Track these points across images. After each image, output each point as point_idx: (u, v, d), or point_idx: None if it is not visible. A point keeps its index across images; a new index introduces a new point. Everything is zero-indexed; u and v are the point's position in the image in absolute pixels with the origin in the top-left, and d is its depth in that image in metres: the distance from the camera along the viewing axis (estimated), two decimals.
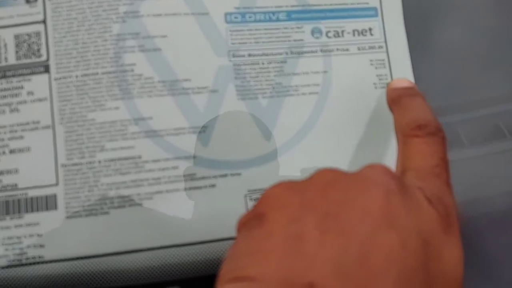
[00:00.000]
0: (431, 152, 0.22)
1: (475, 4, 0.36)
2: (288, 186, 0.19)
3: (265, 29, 0.30)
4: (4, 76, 0.28)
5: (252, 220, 0.19)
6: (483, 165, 0.34)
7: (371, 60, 0.31)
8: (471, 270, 0.33)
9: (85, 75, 0.28)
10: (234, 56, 0.29)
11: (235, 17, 0.30)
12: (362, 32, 0.31)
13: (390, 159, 0.30)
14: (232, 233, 0.28)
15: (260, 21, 0.30)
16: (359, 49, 0.31)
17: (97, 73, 0.28)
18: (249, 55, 0.30)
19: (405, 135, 0.23)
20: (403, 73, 0.31)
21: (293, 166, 0.29)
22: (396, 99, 0.27)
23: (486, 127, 0.36)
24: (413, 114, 0.25)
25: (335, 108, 0.30)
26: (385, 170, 0.19)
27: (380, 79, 0.31)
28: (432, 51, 0.34)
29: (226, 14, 0.30)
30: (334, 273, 0.16)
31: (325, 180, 0.19)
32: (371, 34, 0.31)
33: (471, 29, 0.36)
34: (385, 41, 0.31)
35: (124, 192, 0.27)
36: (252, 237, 0.18)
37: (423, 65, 0.33)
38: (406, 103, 0.26)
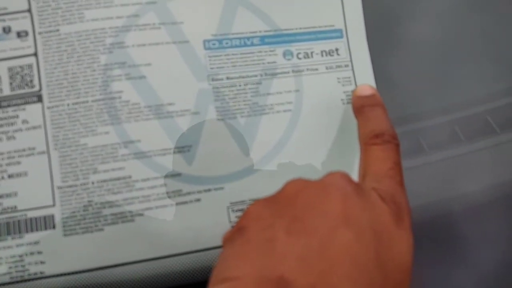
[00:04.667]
0: (386, 157, 0.26)
1: (444, 6, 0.40)
2: (264, 201, 0.22)
3: (241, 53, 0.33)
4: (0, 107, 0.30)
5: (235, 234, 0.22)
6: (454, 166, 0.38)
7: (338, 78, 0.34)
8: (450, 258, 0.36)
9: (76, 103, 0.30)
10: (213, 80, 0.32)
11: (213, 44, 0.32)
12: (329, 53, 0.34)
13: (358, 167, 0.33)
14: (217, 242, 0.31)
15: (236, 46, 0.33)
16: (327, 68, 0.34)
17: (87, 101, 0.30)
18: (227, 78, 0.32)
19: (365, 143, 0.27)
20: None
21: (271, 178, 0.32)
22: (359, 108, 0.31)
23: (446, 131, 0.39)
24: (372, 124, 0.28)
25: (307, 123, 0.33)
26: (343, 176, 0.23)
27: (347, 95, 0.34)
28: (402, 52, 0.38)
29: (204, 41, 0.32)
30: (299, 266, 0.19)
31: (293, 189, 0.22)
32: (338, 54, 0.34)
33: (440, 29, 0.39)
34: (351, 60, 0.34)
35: (117, 210, 0.30)
36: (235, 246, 0.21)
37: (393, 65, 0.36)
38: (367, 113, 0.30)
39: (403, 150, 0.37)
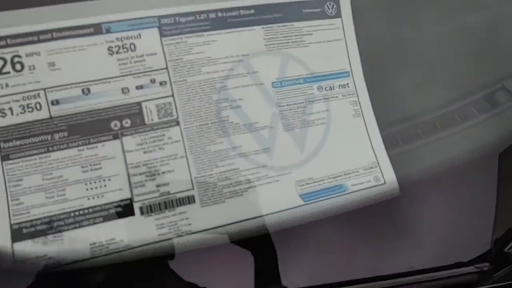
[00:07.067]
0: None
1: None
2: None
3: (294, 89, 0.53)
4: (152, 129, 0.48)
5: None
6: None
7: (349, 102, 0.55)
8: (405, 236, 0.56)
9: (201, 125, 0.49)
10: (279, 106, 0.52)
11: (277, 84, 0.52)
12: (343, 86, 0.55)
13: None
14: (286, 206, 0.50)
15: (290, 84, 0.53)
16: (343, 95, 0.55)
17: (207, 123, 0.49)
18: (287, 104, 0.52)
19: None
20: (366, 106, 0.55)
21: (317, 163, 0.52)
22: None
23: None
24: None
25: (335, 131, 0.54)
26: None
27: (355, 112, 0.55)
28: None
29: (272, 83, 0.52)
30: None
31: None
32: (348, 87, 0.55)
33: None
34: (356, 90, 0.56)
35: (232, 188, 0.48)
36: None
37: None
38: None
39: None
